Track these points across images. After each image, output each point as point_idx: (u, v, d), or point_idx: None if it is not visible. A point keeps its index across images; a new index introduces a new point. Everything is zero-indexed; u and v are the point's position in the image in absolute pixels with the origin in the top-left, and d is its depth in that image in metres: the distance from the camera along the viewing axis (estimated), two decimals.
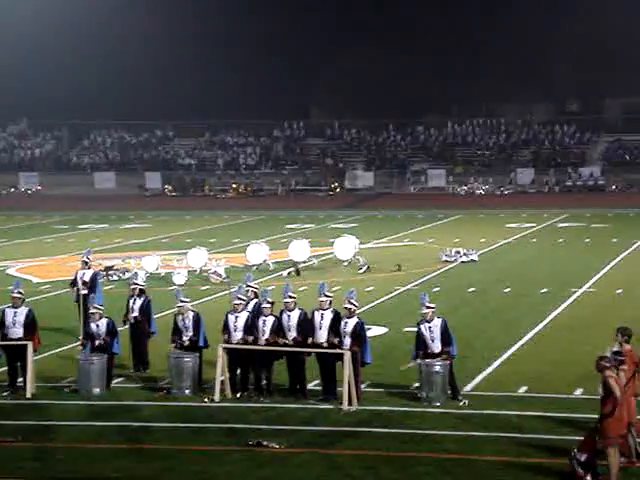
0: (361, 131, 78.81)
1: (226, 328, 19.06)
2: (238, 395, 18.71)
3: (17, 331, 19.51)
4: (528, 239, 42.70)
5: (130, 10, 74.24)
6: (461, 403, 17.98)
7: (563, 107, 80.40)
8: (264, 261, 34.09)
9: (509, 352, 21.88)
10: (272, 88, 76.14)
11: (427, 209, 57.55)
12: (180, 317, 19.56)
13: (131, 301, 21.02)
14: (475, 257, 36.01)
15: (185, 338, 19.38)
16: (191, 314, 19.54)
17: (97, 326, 19.59)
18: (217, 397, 18.51)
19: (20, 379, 19.39)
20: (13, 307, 19.80)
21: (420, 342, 18.37)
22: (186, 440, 16.36)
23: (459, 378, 18.56)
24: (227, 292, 27.73)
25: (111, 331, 19.59)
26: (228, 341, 18.91)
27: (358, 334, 18.32)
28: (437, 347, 18.24)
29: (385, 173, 72.94)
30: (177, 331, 19.52)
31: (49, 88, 74.54)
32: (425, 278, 32.06)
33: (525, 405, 17.81)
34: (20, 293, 20.04)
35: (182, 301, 19.62)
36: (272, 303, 19.19)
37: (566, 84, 75.53)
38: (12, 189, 72.89)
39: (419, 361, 18.28)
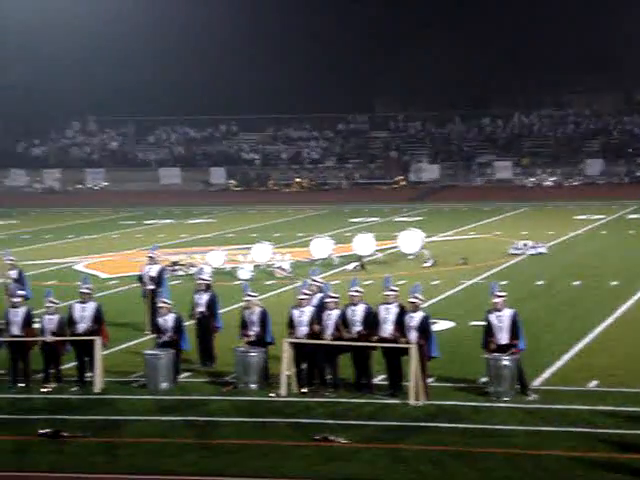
0: (426, 123, 78.41)
1: (291, 323, 19.03)
2: (304, 390, 18.67)
3: (85, 326, 19.67)
4: (597, 231, 42.14)
5: (194, 6, 74.59)
6: (530, 398, 17.75)
7: (632, 97, 79.23)
8: (329, 255, 34.03)
9: (579, 346, 21.58)
10: (336, 81, 76.02)
11: (493, 201, 57.08)
12: (247, 312, 19.57)
13: (197, 296, 21.07)
14: (544, 250, 35.61)
15: (251, 333, 19.38)
16: (258, 309, 19.53)
17: (164, 320, 19.68)
18: (283, 392, 18.49)
19: (89, 374, 19.54)
20: (81, 302, 19.97)
21: (488, 331, 18.18)
22: (253, 435, 16.35)
23: (528, 372, 18.33)
24: (291, 287, 27.73)
25: (178, 326, 19.68)
26: (293, 336, 18.88)
27: (424, 328, 18.18)
28: (505, 338, 18.02)
29: (450, 165, 72.49)
30: (244, 325, 19.54)
31: (115, 85, 75.22)
32: (492, 271, 31.77)
33: (596, 400, 17.54)
34: (88, 289, 20.21)
35: (250, 295, 19.63)
36: (337, 297, 19.12)
37: (635, 73, 74.37)
38: (79, 185, 73.67)
39: (486, 355, 18.09)
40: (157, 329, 19.86)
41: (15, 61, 77.43)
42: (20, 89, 76.73)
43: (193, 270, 30.70)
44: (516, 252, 35.26)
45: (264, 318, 19.45)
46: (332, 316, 18.82)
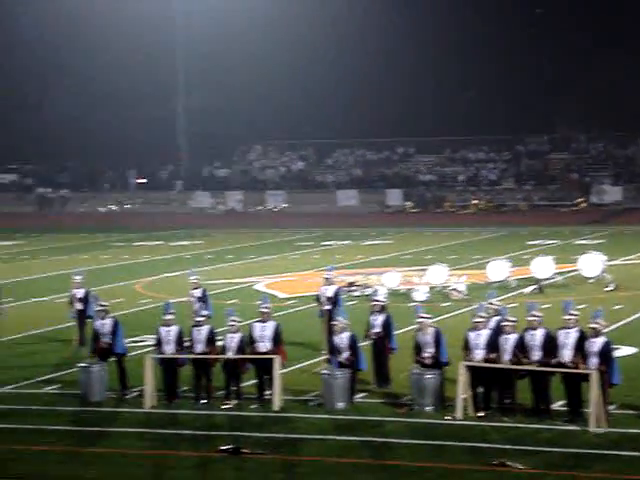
0: (608, 144, 76.71)
1: (467, 345, 18.94)
2: (480, 414, 18.54)
3: (265, 345, 20.08)
4: None
5: (376, 35, 75.22)
6: None
7: None
8: (506, 278, 33.68)
9: None
10: (514, 103, 75.29)
11: None
12: (420, 333, 19.59)
13: (372, 317, 21.21)
14: None
15: (426, 355, 19.38)
16: (431, 330, 19.52)
17: (340, 339, 19.91)
18: (459, 415, 18.41)
19: (268, 392, 19.92)
20: (261, 322, 20.40)
21: None
22: (428, 457, 16.34)
23: None
24: (467, 309, 27.56)
25: (353, 344, 19.86)
26: (469, 359, 18.78)
27: (605, 354, 17.79)
28: None
29: (634, 187, 70.64)
30: (418, 348, 19.56)
31: (295, 109, 76.57)
32: None
33: None
34: (267, 308, 20.62)
35: (422, 317, 19.65)
36: (514, 321, 18.93)
37: None
38: (259, 207, 75.15)
39: None
40: (333, 349, 20.10)
41: (201, 85, 79.79)
42: (206, 113, 79.00)
43: (369, 291, 30.87)
44: None
45: (438, 338, 19.42)
46: (509, 340, 18.63)
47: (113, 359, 20.89)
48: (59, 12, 77.93)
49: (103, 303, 21.58)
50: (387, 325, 21.07)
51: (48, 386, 21.59)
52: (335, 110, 76.93)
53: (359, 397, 20.01)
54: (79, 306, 25.57)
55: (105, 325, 21.04)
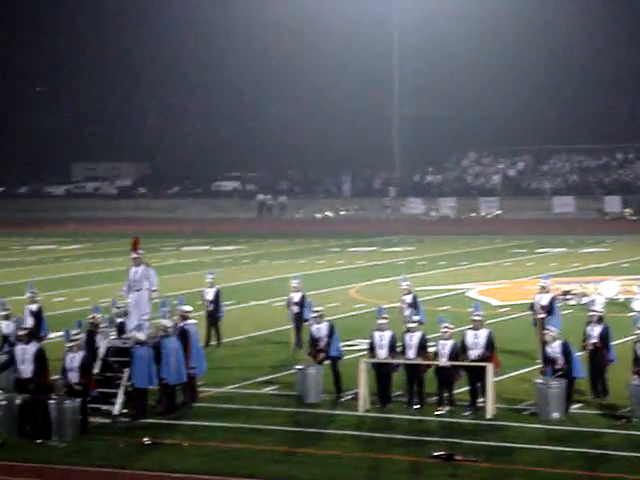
0: None
1: None
2: None
3: (477, 352, 20.05)
4: None
5: (591, 37, 73.71)
6: None
7: None
8: None
9: None
10: None
11: None
12: (638, 345, 19.13)
13: (589, 328, 20.85)
14: None
15: None
16: None
17: (552, 349, 19.68)
18: None
19: (480, 399, 19.90)
20: (474, 329, 20.37)
21: None
22: None
23: None
24: None
25: (566, 354, 19.59)
26: None
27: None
28: None
29: None
30: (637, 359, 19.08)
31: (510, 116, 75.88)
32: None
33: None
34: (479, 315, 20.60)
35: None
36: None
37: None
38: (473, 214, 74.77)
39: None
40: (546, 358, 19.88)
41: (420, 94, 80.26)
42: (420, 120, 79.39)
43: (585, 300, 30.28)
44: None
45: None
46: None
47: (328, 362, 21.32)
48: (275, 23, 79.92)
49: (317, 309, 22.06)
50: (605, 336, 20.67)
51: (267, 387, 22.25)
52: (552, 116, 75.73)
53: (575, 407, 19.70)
54: (296, 309, 26.22)
55: (321, 329, 21.52)
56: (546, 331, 20.11)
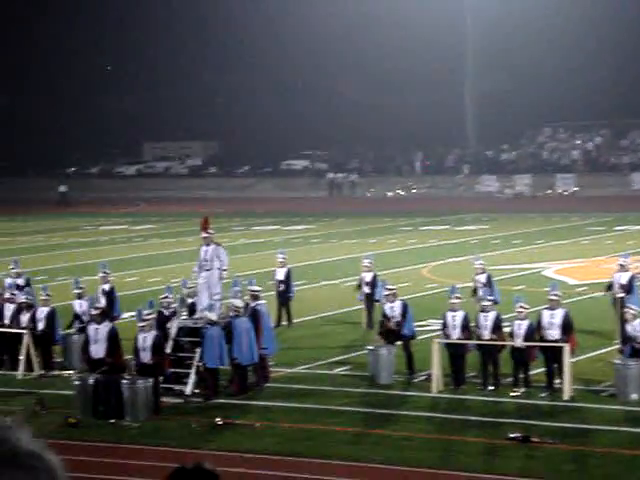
0: None
1: None
2: None
3: (553, 333, 19.62)
4: None
5: None
6: None
7: None
8: None
9: None
10: None
11: None
12: None
13: None
14: None
15: None
16: None
17: (632, 327, 19.20)
18: None
19: (557, 381, 19.47)
20: (550, 309, 19.93)
21: None
22: None
23: None
24: None
25: None
26: None
27: None
28: None
29: None
30: None
31: (587, 90, 74.61)
32: None
33: None
34: (556, 295, 20.17)
35: None
36: None
37: None
38: (548, 191, 73.76)
39: None
40: (625, 337, 19.39)
41: (494, 69, 79.25)
42: (494, 96, 78.44)
43: None
44: None
45: None
46: None
47: (400, 342, 21.04)
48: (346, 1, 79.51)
49: (390, 287, 21.78)
50: None
51: (338, 367, 22.04)
52: (631, 89, 74.32)
53: None
54: (367, 289, 25.94)
55: (394, 308, 21.24)
56: (626, 309, 19.62)
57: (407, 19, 77.51)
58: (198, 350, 19.98)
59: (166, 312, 21.19)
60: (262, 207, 66.94)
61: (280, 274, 27.07)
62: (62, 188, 74.53)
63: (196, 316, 20.94)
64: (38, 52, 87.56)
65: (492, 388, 19.79)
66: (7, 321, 22.65)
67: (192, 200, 72.24)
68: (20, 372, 21.79)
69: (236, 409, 19.08)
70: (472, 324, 20.27)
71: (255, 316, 20.71)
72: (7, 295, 23.20)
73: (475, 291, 24.21)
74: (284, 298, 26.87)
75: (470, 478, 15.20)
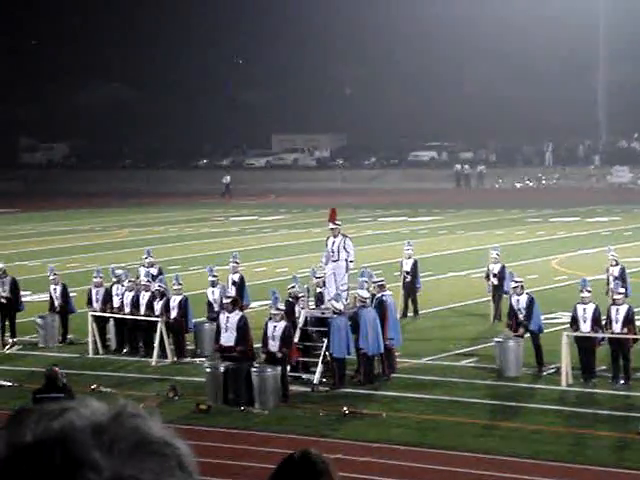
0: None
1: None
2: None
3: None
4: None
5: None
6: None
7: None
8: None
9: None
10: None
11: None
12: None
13: None
14: None
15: None
16: None
17: None
18: None
19: None
20: None
21: None
22: None
23: None
24: None
25: None
26: None
27: None
28: None
29: None
30: None
31: None
32: None
33: None
34: None
35: None
36: None
37: None
38: None
39: None
40: None
41: (625, 59, 77.66)
42: (627, 85, 76.85)
43: None
44: None
45: None
46: None
47: (528, 335, 20.85)
48: None
49: (518, 279, 21.59)
50: None
51: (466, 359, 21.95)
52: None
53: None
54: (495, 281, 25.74)
55: (520, 301, 21.05)
56: None
57: (540, 8, 76.44)
58: (325, 340, 20.15)
59: (296, 302, 21.42)
60: (389, 198, 66.93)
61: (407, 265, 27.07)
62: (226, 179, 74.30)
63: (323, 306, 21.12)
64: (168, 47, 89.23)
65: (623, 382, 19.45)
66: (143, 309, 23.20)
67: (320, 191, 72.64)
68: (154, 359, 22.31)
69: (363, 399, 19.19)
70: (603, 317, 19.95)
71: (381, 306, 20.78)
72: (144, 282, 23.70)
73: (608, 283, 23.81)
74: (411, 289, 26.87)
75: (600, 472, 15.00)
